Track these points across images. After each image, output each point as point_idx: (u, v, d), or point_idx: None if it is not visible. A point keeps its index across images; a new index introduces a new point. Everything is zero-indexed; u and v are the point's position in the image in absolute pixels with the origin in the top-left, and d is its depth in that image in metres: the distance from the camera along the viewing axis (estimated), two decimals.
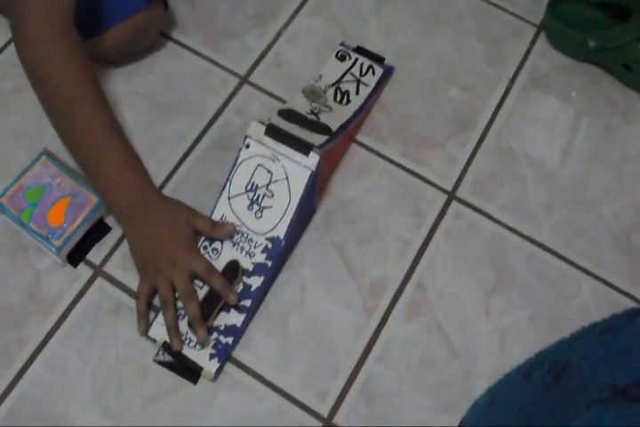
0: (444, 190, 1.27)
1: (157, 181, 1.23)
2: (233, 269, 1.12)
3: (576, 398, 0.88)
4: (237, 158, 1.13)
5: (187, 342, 1.09)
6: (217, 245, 1.14)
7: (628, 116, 1.36)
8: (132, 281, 1.14)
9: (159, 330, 1.10)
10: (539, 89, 1.38)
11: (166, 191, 1.22)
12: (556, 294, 1.19)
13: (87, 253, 1.17)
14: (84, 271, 1.16)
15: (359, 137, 1.30)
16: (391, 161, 1.29)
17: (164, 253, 1.10)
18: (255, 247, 1.12)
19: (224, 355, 1.09)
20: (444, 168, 1.29)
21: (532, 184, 1.28)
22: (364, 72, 1.34)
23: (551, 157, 1.31)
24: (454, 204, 1.25)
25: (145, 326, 1.10)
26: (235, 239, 1.13)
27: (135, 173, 1.14)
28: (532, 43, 1.43)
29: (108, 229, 1.19)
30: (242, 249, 1.13)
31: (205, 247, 1.14)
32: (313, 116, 1.22)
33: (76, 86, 1.11)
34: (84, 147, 1.13)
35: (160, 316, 1.10)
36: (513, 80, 1.39)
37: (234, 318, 1.11)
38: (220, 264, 1.12)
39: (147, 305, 1.11)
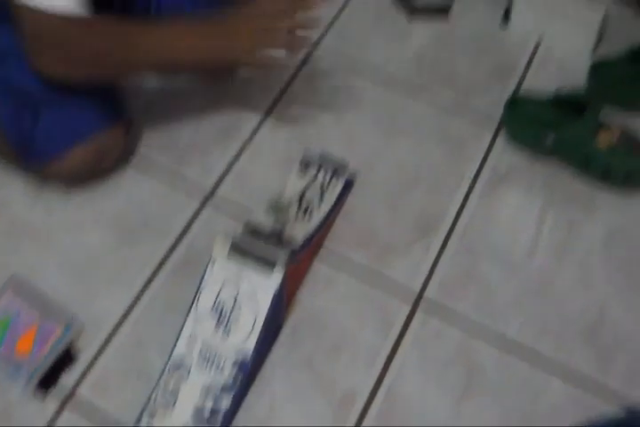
0: (409, 297, 1.27)
1: (123, 306, 1.25)
2: None
3: None
4: (202, 279, 1.15)
5: None
6: (188, 365, 1.14)
7: (590, 208, 1.37)
8: (103, 409, 1.15)
9: None
10: (501, 186, 1.40)
11: (134, 314, 1.24)
12: (526, 391, 1.18)
13: (56, 382, 1.17)
14: (53, 401, 1.16)
15: (324, 248, 1.32)
16: (357, 270, 1.30)
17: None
18: (223, 366, 1.13)
19: None
20: (409, 274, 1.30)
21: (498, 282, 1.28)
22: (325, 185, 1.36)
23: (516, 253, 1.32)
24: (420, 310, 1.25)
25: None
26: (204, 358, 1.14)
27: (179, 26, 1.22)
28: (492, 142, 1.46)
29: (73, 359, 1.19)
30: (210, 367, 1.13)
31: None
32: (277, 231, 1.24)
33: (89, 21, 1.14)
34: (128, 48, 1.19)
35: None
36: (475, 179, 1.40)
37: None
38: (190, 387, 1.13)
39: None
